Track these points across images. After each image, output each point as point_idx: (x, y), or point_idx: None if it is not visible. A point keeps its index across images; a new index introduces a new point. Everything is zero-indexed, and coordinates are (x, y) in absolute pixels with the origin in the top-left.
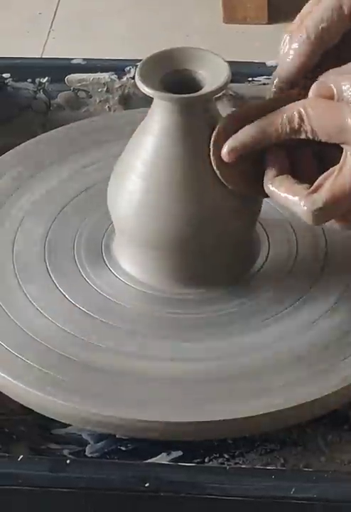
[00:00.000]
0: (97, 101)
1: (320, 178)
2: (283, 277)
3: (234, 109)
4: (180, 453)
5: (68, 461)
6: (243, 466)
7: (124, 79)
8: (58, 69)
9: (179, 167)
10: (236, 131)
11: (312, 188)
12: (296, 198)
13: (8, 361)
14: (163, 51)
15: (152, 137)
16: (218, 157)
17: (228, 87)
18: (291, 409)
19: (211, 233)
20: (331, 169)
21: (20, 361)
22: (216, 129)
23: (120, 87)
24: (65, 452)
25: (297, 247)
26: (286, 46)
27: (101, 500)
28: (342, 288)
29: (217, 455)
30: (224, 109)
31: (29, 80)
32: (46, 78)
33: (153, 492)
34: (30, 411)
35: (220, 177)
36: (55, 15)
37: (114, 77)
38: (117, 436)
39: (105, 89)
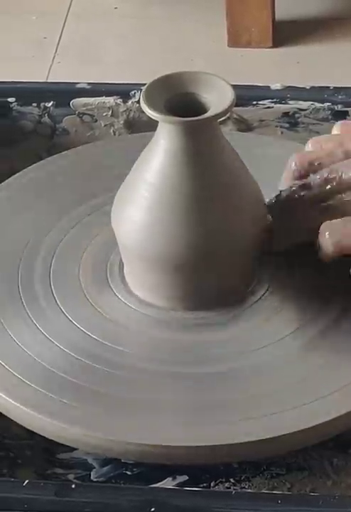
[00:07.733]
0: (102, 125)
1: None
2: (285, 302)
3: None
4: (185, 477)
5: (73, 486)
6: (249, 490)
7: (129, 103)
8: (63, 93)
9: (183, 190)
10: None
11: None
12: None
13: (13, 386)
14: (167, 75)
15: (157, 160)
16: None
17: (232, 111)
18: (298, 433)
19: (216, 256)
20: None
21: (26, 385)
22: None
23: (125, 111)
24: (71, 477)
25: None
26: None
27: None
28: None
29: (223, 479)
30: (228, 132)
31: (34, 104)
32: (51, 102)
33: None
34: (36, 435)
35: None
36: (60, 39)
37: (119, 101)
38: (123, 460)
39: (110, 113)
